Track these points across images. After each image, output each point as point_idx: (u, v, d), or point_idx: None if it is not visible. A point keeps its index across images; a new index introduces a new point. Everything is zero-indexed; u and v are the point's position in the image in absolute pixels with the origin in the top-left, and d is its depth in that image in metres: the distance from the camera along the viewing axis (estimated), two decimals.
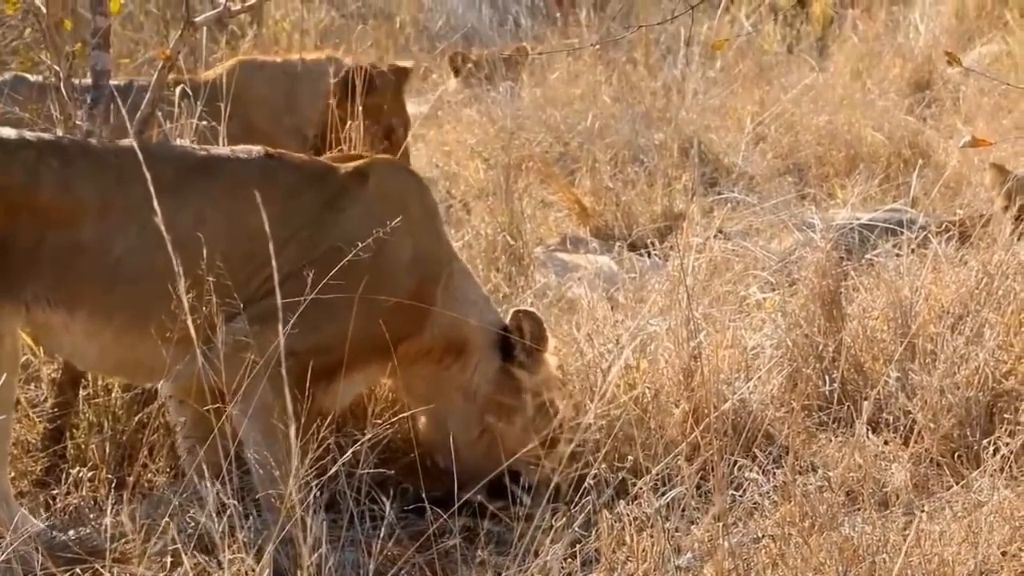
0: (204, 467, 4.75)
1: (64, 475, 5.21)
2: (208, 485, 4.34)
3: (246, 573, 4.16)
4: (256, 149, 5.24)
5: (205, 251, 4.71)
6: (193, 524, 4.64)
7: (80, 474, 5.19)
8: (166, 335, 4.83)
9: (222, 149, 5.37)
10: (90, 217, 4.92)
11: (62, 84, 5.81)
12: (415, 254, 5.21)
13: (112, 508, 4.54)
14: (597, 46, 9.67)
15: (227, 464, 4.60)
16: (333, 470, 4.55)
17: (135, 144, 4.90)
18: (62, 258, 4.89)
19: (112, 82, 5.94)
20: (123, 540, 4.46)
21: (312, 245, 5.02)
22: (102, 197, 4.93)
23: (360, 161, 5.32)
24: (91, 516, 5.03)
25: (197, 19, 5.75)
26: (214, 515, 4.19)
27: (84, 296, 4.93)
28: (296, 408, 4.39)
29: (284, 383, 4.16)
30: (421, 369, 5.30)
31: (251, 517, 4.72)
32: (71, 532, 4.90)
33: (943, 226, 6.78)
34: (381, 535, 4.60)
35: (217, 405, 4.90)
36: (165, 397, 5.26)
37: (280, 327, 4.20)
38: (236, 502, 4.32)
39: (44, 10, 5.92)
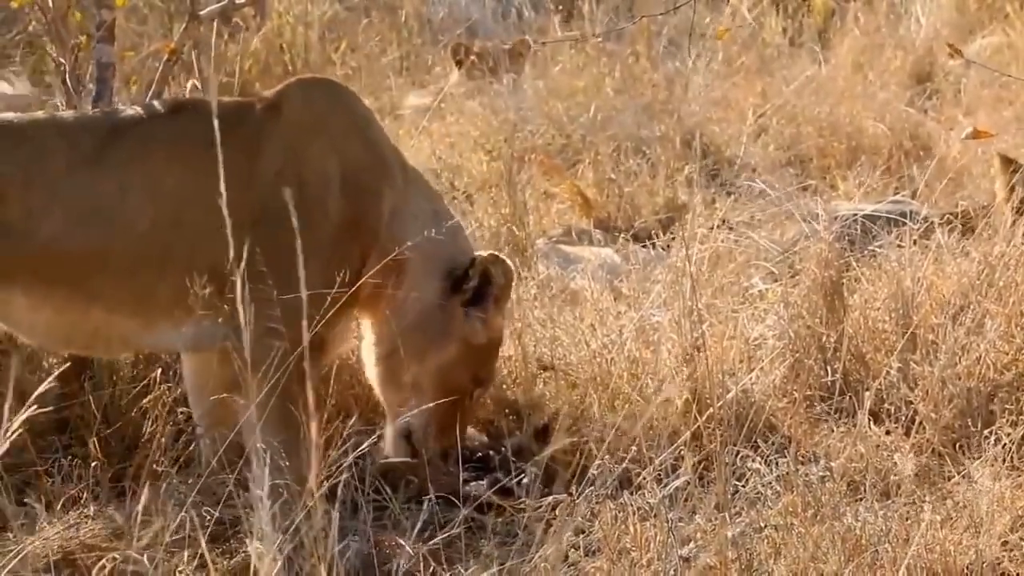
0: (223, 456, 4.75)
1: (69, 465, 5.22)
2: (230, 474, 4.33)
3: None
4: (167, 101, 4.98)
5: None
6: (207, 513, 4.65)
7: (84, 465, 5.19)
8: (118, 307, 4.76)
9: (132, 110, 5.02)
10: (14, 192, 4.73)
11: (67, 77, 5.82)
12: (343, 170, 4.88)
13: (129, 495, 4.54)
14: (600, 38, 9.66)
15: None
16: (348, 461, 4.53)
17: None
18: None
19: None
20: (142, 528, 4.46)
21: (244, 203, 4.61)
22: (24, 172, 4.75)
23: (275, 89, 5.01)
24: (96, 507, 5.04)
25: (202, 12, 5.75)
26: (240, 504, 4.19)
27: (18, 272, 4.77)
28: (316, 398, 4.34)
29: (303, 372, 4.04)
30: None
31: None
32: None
33: (945, 217, 6.79)
34: (387, 525, 4.63)
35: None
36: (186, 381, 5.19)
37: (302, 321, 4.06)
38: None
39: (50, 3, 5.93)
